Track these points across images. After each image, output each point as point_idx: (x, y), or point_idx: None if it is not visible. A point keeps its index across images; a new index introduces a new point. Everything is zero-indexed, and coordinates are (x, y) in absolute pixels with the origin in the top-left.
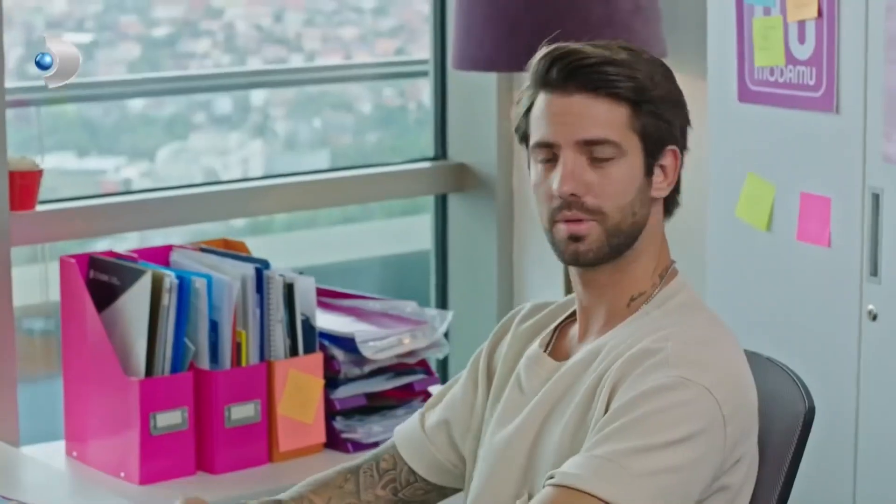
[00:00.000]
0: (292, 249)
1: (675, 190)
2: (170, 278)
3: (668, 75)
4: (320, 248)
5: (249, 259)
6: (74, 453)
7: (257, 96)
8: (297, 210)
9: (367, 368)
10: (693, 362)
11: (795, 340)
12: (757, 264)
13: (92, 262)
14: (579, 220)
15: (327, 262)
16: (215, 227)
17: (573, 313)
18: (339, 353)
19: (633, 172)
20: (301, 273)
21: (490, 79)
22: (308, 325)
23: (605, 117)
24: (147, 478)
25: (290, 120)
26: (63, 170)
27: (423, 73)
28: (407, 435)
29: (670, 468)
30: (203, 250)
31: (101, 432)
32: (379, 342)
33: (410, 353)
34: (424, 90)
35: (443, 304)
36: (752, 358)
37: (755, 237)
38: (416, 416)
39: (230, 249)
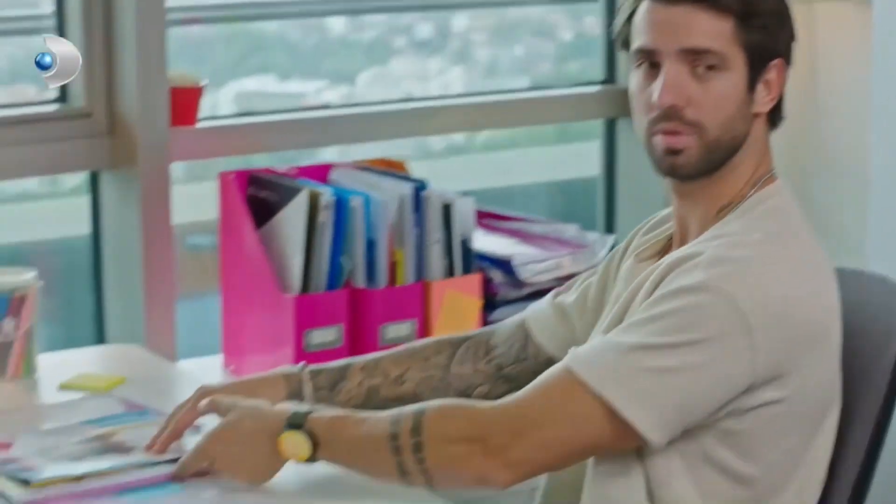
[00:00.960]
0: (454, 174)
1: (779, 103)
2: (327, 196)
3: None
4: (483, 174)
5: (408, 179)
6: (231, 367)
7: (458, 22)
8: (465, 131)
9: (524, 291)
10: (725, 268)
11: None
12: None
13: (251, 179)
14: (677, 133)
15: (490, 186)
16: (377, 148)
17: None
18: (496, 275)
19: (736, 87)
20: (462, 194)
21: None
22: (466, 246)
23: (709, 28)
24: None
25: (491, 46)
26: (264, 92)
27: None
28: (538, 313)
29: (669, 369)
30: (362, 169)
31: (256, 348)
32: (537, 265)
33: (569, 277)
34: None
35: (609, 230)
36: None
37: None
38: (547, 297)
39: (390, 169)
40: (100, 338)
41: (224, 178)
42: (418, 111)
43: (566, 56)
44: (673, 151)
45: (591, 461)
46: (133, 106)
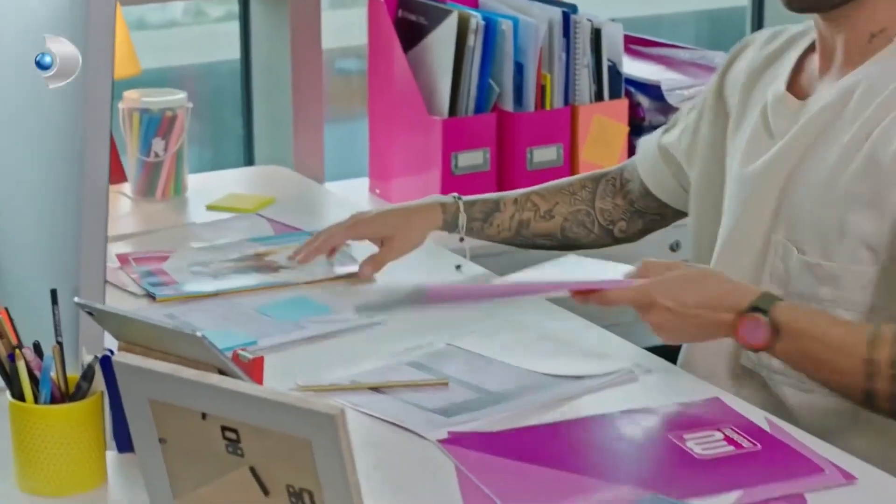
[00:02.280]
0: (600, 2)
1: None
2: (476, 19)
3: None
4: (630, 2)
5: (557, 3)
6: (377, 190)
7: None
8: None
9: (672, 116)
10: None
11: None
12: None
13: (400, 2)
14: None
15: (639, 14)
16: None
17: (812, 45)
18: (644, 100)
19: None
20: (611, 20)
21: None
22: (614, 71)
23: None
24: None
25: None
26: None
27: None
28: (645, 150)
29: None
30: None
31: (403, 170)
32: (686, 90)
33: None
34: None
35: None
36: None
37: None
38: (657, 132)
39: None
40: (249, 160)
41: (373, 2)
42: None
43: None
44: None
45: None
46: None
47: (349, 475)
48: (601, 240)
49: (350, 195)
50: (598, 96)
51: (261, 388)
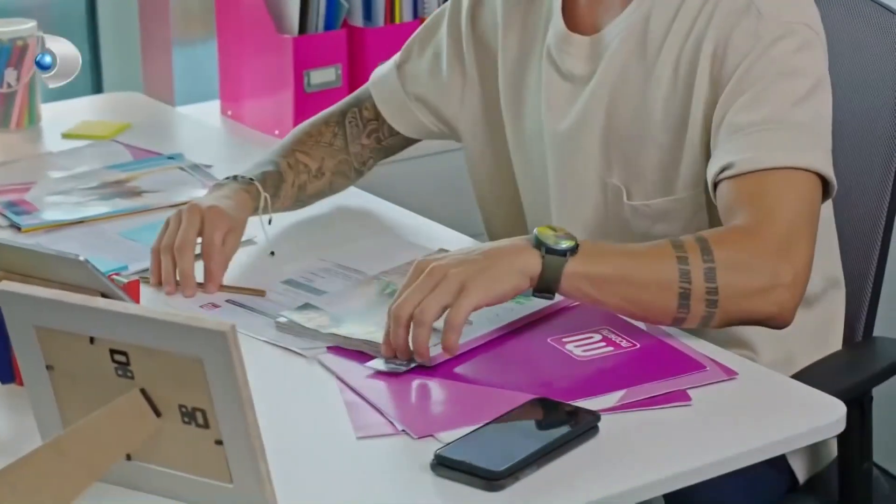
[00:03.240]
0: None
1: None
2: None
3: None
4: None
5: None
6: (229, 112)
7: None
8: None
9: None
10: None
11: None
12: None
13: None
14: None
15: None
16: None
17: None
18: None
19: None
20: None
21: None
22: None
23: None
24: None
25: None
26: None
27: None
28: (387, 95)
29: (820, 114)
30: None
31: (255, 91)
32: None
33: None
34: None
35: None
36: None
37: None
38: (392, 70)
39: None
40: (97, 87)
41: None
42: None
43: None
44: None
45: None
46: None
47: (241, 391)
48: (353, 183)
49: (202, 118)
50: None
51: (150, 310)
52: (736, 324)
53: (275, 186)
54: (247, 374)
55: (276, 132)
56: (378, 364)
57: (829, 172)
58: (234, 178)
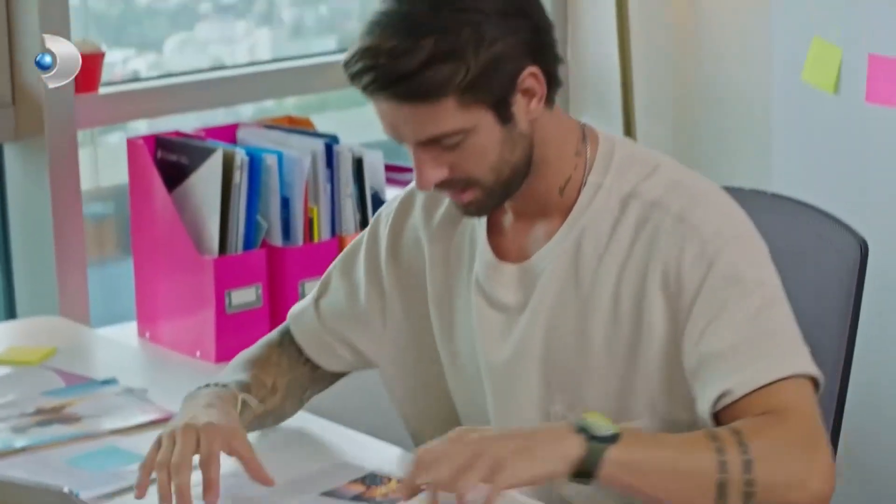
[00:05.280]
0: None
1: (550, 82)
2: (241, 156)
3: (493, 8)
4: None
5: (318, 135)
6: (147, 334)
7: None
8: (309, 93)
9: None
10: (713, 216)
11: (864, 203)
12: (824, 127)
13: (159, 143)
14: (459, 193)
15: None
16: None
17: None
18: None
19: (489, 135)
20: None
21: None
22: (378, 200)
23: (435, 117)
24: (223, 356)
25: (296, 6)
26: None
27: None
28: (308, 333)
29: (785, 311)
30: (269, 127)
31: (174, 312)
32: None
33: None
34: None
35: None
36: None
37: (822, 100)
38: (309, 307)
39: (295, 126)
40: (10, 312)
41: (132, 143)
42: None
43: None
44: (462, 206)
45: None
46: (37, 75)
47: None
48: (300, 408)
49: (121, 340)
50: (364, 225)
51: None
52: None
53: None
54: None
55: (198, 353)
56: None
57: (817, 371)
58: (207, 385)
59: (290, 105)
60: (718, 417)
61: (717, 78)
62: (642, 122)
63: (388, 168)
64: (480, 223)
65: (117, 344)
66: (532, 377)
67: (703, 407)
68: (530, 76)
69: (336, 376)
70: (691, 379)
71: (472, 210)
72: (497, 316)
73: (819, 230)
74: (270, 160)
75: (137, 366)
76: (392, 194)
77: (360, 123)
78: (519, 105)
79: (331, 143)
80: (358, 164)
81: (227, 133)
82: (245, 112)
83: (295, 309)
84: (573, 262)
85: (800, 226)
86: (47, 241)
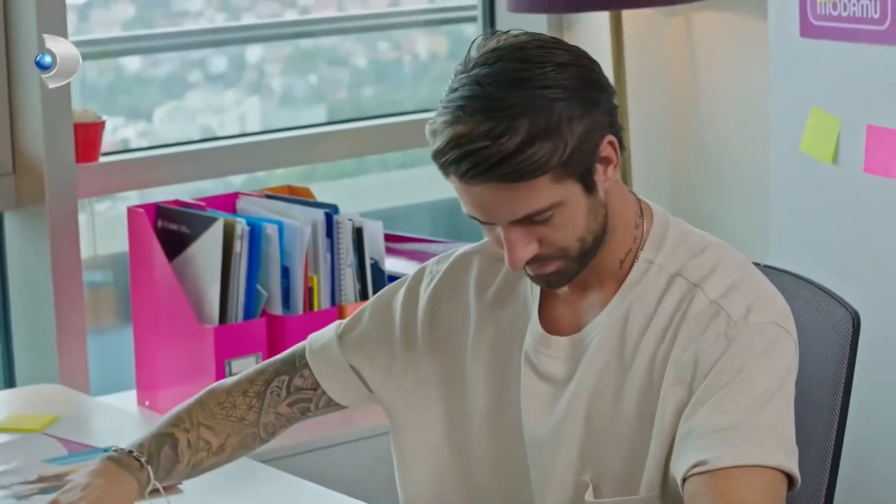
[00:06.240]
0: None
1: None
2: (241, 225)
3: (574, 83)
4: (362, 196)
5: (318, 204)
6: (146, 402)
7: (252, 53)
8: (300, 164)
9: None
10: (746, 302)
11: (863, 274)
12: (823, 198)
13: (160, 212)
14: (544, 265)
15: (380, 207)
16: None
17: None
18: None
19: (578, 205)
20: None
21: (540, 21)
22: (377, 269)
23: (530, 195)
24: None
25: (286, 76)
26: None
27: (466, 19)
28: (328, 364)
29: (785, 411)
30: (269, 197)
31: (173, 380)
32: None
33: None
34: (419, 43)
35: None
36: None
37: (821, 171)
38: (333, 339)
39: (295, 195)
40: (10, 380)
41: (132, 211)
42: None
43: (360, 82)
44: (545, 277)
45: None
46: (38, 143)
47: None
48: (253, 451)
49: (121, 407)
50: (363, 295)
51: None
52: None
53: (168, 468)
54: None
55: None
56: None
57: (795, 470)
58: (115, 449)
59: (280, 174)
60: (686, 483)
61: (716, 148)
62: (639, 192)
63: (388, 238)
64: (534, 295)
65: (118, 411)
66: (573, 447)
67: (678, 470)
68: (609, 145)
69: (326, 412)
70: (678, 445)
71: (553, 281)
72: (543, 387)
73: (814, 303)
74: (271, 230)
75: (138, 433)
76: (392, 264)
77: (355, 192)
78: (598, 173)
79: (331, 212)
80: (358, 234)
81: (228, 202)
82: (235, 181)
83: (313, 342)
84: (620, 334)
85: (795, 298)
86: (47, 310)
